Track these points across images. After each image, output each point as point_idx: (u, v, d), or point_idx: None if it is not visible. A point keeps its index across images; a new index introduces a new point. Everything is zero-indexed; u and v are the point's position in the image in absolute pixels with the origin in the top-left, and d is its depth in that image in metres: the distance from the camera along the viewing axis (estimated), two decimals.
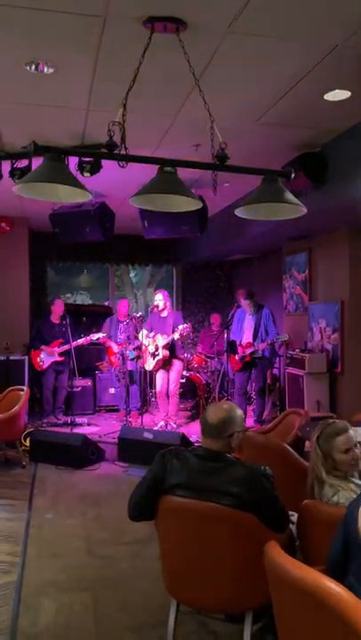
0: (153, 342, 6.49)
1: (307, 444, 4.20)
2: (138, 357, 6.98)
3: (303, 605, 1.53)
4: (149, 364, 6.58)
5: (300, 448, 3.77)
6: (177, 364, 6.62)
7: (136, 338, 6.92)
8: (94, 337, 7.15)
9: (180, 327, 6.31)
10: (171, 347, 6.47)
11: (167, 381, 6.64)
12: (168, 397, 6.66)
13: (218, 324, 8.38)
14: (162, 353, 6.43)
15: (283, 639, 1.74)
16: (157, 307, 6.56)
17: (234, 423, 2.23)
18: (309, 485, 2.34)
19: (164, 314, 6.59)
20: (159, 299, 6.59)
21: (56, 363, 7.17)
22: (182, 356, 6.79)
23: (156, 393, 6.88)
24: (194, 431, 6.25)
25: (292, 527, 2.37)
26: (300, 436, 3.76)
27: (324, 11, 2.63)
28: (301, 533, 2.33)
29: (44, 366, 7.15)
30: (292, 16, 2.67)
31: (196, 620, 2.66)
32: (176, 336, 6.31)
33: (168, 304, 6.65)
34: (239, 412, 2.29)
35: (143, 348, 6.58)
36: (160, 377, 6.65)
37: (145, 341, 6.53)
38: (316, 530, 2.23)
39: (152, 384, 7.52)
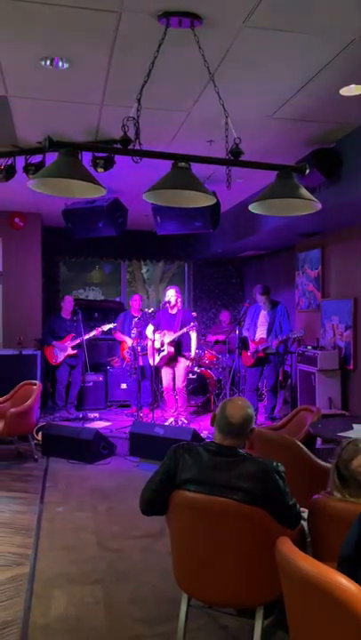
0: (160, 338, 6.49)
1: (318, 440, 4.20)
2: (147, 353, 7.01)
3: (315, 601, 1.54)
4: (155, 359, 6.59)
5: (312, 445, 3.76)
6: (182, 362, 6.59)
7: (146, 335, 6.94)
8: (105, 327, 7.20)
9: (194, 344, 6.41)
10: (177, 344, 6.47)
11: (173, 378, 6.64)
12: (175, 394, 6.68)
13: (227, 321, 8.38)
14: (167, 349, 6.42)
15: (294, 634, 1.74)
16: (169, 302, 6.55)
17: (252, 419, 2.25)
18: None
19: (174, 311, 6.58)
20: (171, 294, 6.57)
21: (70, 357, 7.22)
22: (187, 354, 6.75)
23: (163, 389, 6.88)
24: (204, 426, 6.26)
25: (303, 523, 2.37)
26: (311, 433, 3.75)
27: (340, 5, 2.61)
28: (312, 529, 2.33)
29: (58, 361, 7.21)
30: (308, 11, 2.65)
31: (207, 615, 2.67)
32: (186, 330, 6.34)
33: (179, 301, 6.64)
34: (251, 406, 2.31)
35: (150, 344, 6.59)
36: (166, 373, 6.65)
37: (152, 336, 6.54)
38: (327, 526, 2.23)
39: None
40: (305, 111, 3.95)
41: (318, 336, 6.69)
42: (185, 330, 6.33)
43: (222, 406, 2.27)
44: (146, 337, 6.90)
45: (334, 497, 2.24)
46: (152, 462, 4.82)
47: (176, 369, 6.59)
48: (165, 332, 6.47)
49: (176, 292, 6.61)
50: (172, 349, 6.43)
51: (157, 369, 6.89)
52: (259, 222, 6.27)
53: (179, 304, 6.62)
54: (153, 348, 6.49)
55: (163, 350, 6.45)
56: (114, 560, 3.32)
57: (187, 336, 6.50)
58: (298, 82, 3.48)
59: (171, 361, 6.54)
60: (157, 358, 6.53)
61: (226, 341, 7.39)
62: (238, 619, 2.57)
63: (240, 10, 2.65)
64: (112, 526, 3.83)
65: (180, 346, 6.53)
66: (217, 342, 7.89)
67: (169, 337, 6.42)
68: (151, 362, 6.60)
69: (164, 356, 6.47)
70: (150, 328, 6.57)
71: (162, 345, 6.44)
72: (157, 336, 6.51)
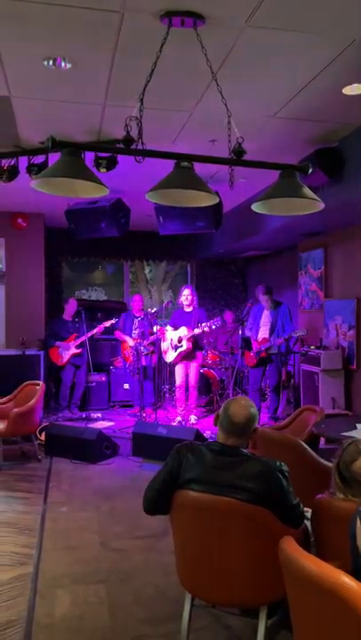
0: (177, 335, 6.57)
1: (322, 440, 4.19)
2: (152, 352, 7.03)
3: (318, 600, 1.53)
4: (170, 356, 6.63)
5: (315, 445, 3.76)
6: (198, 357, 6.71)
7: (151, 334, 6.98)
8: (107, 324, 7.24)
9: (206, 322, 6.42)
10: (194, 340, 6.53)
11: (187, 375, 6.69)
12: (187, 391, 6.71)
13: (230, 321, 8.38)
14: (185, 345, 6.49)
15: (298, 634, 1.74)
16: (184, 301, 6.64)
17: (256, 419, 2.24)
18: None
19: (189, 309, 6.69)
20: (186, 294, 6.72)
21: (74, 356, 7.22)
22: (203, 350, 6.86)
23: (175, 387, 6.92)
24: (208, 426, 6.26)
25: (307, 523, 2.36)
26: (314, 433, 3.74)
27: (343, 4, 2.60)
28: (316, 529, 2.32)
29: (64, 361, 7.22)
30: (311, 9, 2.65)
31: (211, 614, 2.67)
32: (205, 329, 6.40)
33: (195, 300, 6.74)
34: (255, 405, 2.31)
35: (167, 341, 6.65)
36: (180, 370, 6.70)
37: (170, 335, 6.62)
38: (331, 526, 2.22)
39: (166, 379, 7.56)
40: (308, 110, 3.94)
41: (321, 336, 6.68)
42: (206, 328, 6.38)
43: (225, 406, 2.26)
44: (148, 337, 6.96)
45: (338, 497, 2.23)
46: (155, 462, 4.82)
47: (191, 365, 6.63)
48: (183, 327, 6.55)
49: (191, 291, 6.76)
50: (190, 345, 6.49)
51: (161, 369, 6.91)
52: (261, 222, 6.27)
53: (194, 303, 6.76)
54: (168, 344, 6.57)
55: (181, 346, 6.51)
56: (117, 560, 3.32)
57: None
58: (300, 81, 3.47)
59: (187, 357, 6.58)
60: (174, 355, 6.57)
61: (228, 342, 7.41)
62: (242, 618, 2.57)
63: (243, 9, 2.65)
64: (115, 526, 3.83)
65: (197, 341, 6.59)
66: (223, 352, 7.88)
67: (186, 333, 6.48)
68: (167, 359, 6.69)
69: (181, 352, 6.53)
70: (169, 329, 6.69)
71: (179, 341, 6.51)
72: (175, 333, 6.58)
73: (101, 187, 2.56)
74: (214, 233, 6.05)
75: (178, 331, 6.59)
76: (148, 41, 2.88)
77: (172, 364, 6.82)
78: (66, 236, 6.96)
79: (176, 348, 6.57)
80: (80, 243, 7.35)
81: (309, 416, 4.14)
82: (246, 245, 7.61)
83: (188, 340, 6.49)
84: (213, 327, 6.42)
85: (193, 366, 6.67)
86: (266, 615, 2.18)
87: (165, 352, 6.70)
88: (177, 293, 6.94)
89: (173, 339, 6.60)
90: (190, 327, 6.52)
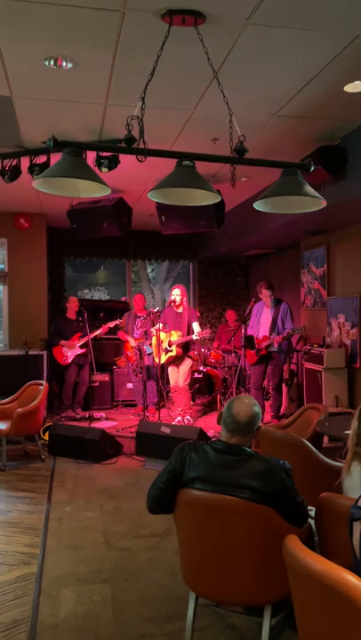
0: (167, 337, 6.51)
1: (325, 439, 4.18)
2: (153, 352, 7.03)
3: (323, 599, 1.53)
4: (161, 358, 6.61)
5: (319, 443, 3.75)
6: (187, 361, 6.62)
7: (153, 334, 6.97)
8: (111, 325, 7.24)
9: (197, 330, 6.36)
10: (184, 345, 6.50)
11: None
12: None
13: (233, 319, 8.37)
14: (175, 350, 6.45)
15: (302, 632, 1.73)
16: (175, 301, 6.57)
17: (259, 417, 2.24)
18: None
19: (180, 309, 6.60)
20: (177, 293, 6.59)
21: (78, 356, 7.24)
22: (193, 354, 6.78)
23: (170, 388, 6.90)
24: (211, 425, 6.26)
25: (311, 521, 2.36)
26: (318, 432, 3.74)
27: (344, 2, 2.59)
28: (320, 527, 2.32)
29: (69, 361, 7.23)
30: (312, 7, 2.64)
31: (215, 613, 2.67)
32: (195, 337, 6.34)
33: (185, 299, 6.65)
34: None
35: (155, 341, 6.61)
36: (172, 372, 6.68)
37: (161, 336, 6.56)
38: (335, 524, 2.22)
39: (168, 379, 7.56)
40: (309, 108, 3.93)
41: (324, 334, 6.67)
42: (196, 337, 6.33)
43: (229, 404, 2.26)
44: (151, 336, 6.93)
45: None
46: (159, 461, 4.82)
47: (180, 368, 6.59)
48: (173, 331, 6.50)
49: (182, 291, 6.63)
50: (180, 350, 6.46)
51: (164, 368, 6.89)
52: (263, 220, 6.26)
53: (184, 303, 6.64)
54: (160, 346, 6.53)
55: (171, 350, 6.47)
56: (121, 559, 3.32)
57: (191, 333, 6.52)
58: (302, 79, 3.46)
59: (177, 360, 6.55)
60: (164, 358, 6.54)
61: (231, 341, 7.40)
62: (246, 617, 2.58)
63: (244, 7, 2.64)
64: (119, 525, 3.83)
65: (187, 347, 6.55)
66: (227, 352, 7.85)
67: (177, 337, 6.43)
68: (157, 360, 6.63)
69: (171, 356, 6.49)
70: (160, 326, 6.60)
71: (170, 345, 6.47)
72: (163, 335, 6.52)
73: (103, 186, 2.56)
74: (216, 232, 6.04)
75: (169, 334, 6.54)
76: (149, 40, 2.88)
77: (165, 365, 6.77)
78: (68, 236, 6.98)
79: (166, 351, 6.55)
80: (82, 242, 7.37)
81: (313, 414, 4.14)
82: (249, 244, 7.60)
83: (178, 345, 6.47)
84: (203, 338, 6.35)
85: (182, 368, 6.58)
86: (270, 614, 2.18)
87: (157, 353, 6.64)
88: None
89: (164, 341, 6.55)
90: (181, 329, 6.46)
